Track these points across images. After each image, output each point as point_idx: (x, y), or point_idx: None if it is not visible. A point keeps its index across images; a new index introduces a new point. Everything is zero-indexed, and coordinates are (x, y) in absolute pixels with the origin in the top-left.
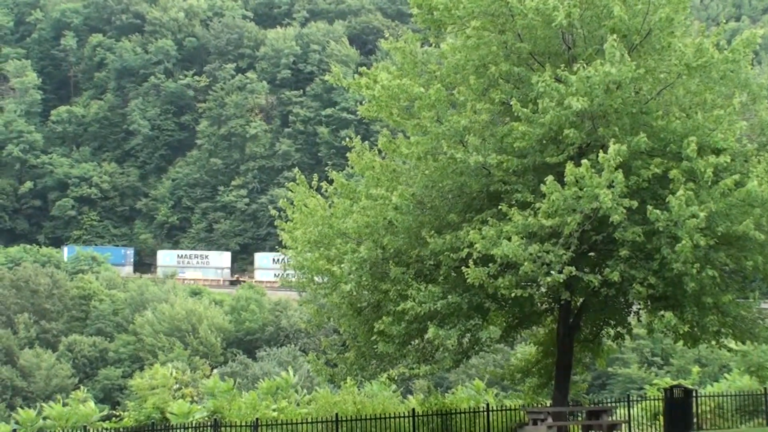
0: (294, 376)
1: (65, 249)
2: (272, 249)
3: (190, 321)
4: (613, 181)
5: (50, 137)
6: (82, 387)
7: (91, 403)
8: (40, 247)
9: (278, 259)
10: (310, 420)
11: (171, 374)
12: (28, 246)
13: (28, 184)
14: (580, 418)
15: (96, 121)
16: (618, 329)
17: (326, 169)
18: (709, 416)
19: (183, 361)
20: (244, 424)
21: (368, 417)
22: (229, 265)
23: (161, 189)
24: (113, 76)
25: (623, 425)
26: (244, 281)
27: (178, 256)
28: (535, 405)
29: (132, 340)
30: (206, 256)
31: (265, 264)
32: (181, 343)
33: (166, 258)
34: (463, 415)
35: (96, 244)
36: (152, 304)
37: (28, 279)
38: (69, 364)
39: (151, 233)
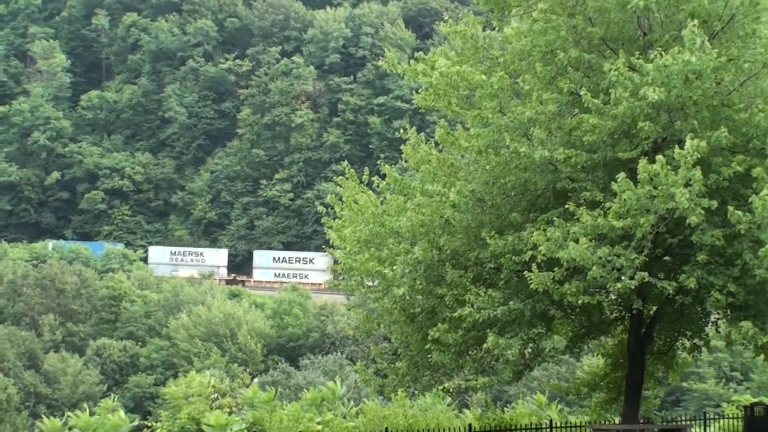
0: (341, 386)
1: (94, 245)
2: (318, 248)
3: (229, 325)
4: (690, 180)
5: (79, 124)
6: (111, 395)
7: (121, 413)
8: (68, 243)
9: (279, 258)
10: None
11: (208, 383)
12: (55, 241)
13: (55, 175)
14: None
15: (129, 107)
16: (694, 341)
17: (378, 162)
18: None
19: (220, 368)
20: None
21: None
22: (225, 263)
23: (198, 182)
24: (148, 58)
25: None
26: (241, 281)
27: (171, 252)
28: (603, 422)
29: (165, 345)
30: (201, 253)
31: (265, 263)
32: (218, 349)
33: (158, 255)
34: (523, 431)
35: (127, 241)
36: (187, 307)
37: (54, 277)
38: (97, 369)
39: (187, 229)
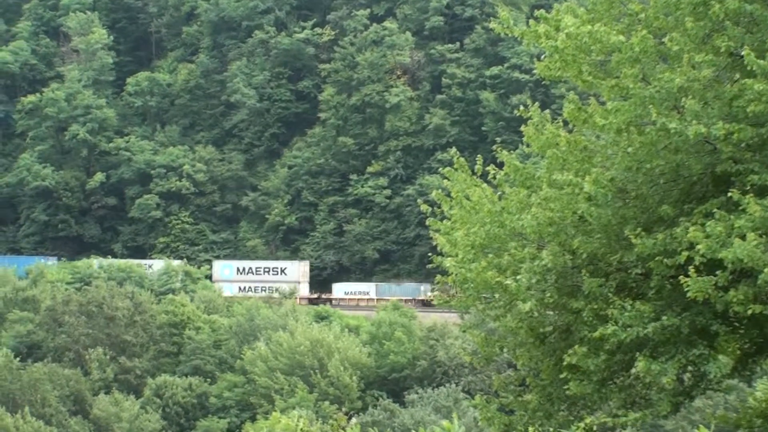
0: (458, 425)
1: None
2: (422, 256)
3: (317, 355)
4: None
5: (126, 114)
6: None
7: None
8: (117, 260)
9: (244, 269)
10: None
11: (295, 426)
12: (101, 258)
13: (99, 177)
14: None
15: (186, 91)
16: None
17: (493, 148)
18: None
19: (308, 408)
20: None
21: None
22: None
23: (274, 180)
24: (207, 30)
25: None
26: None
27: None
28: None
29: (240, 381)
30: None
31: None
32: (304, 384)
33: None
34: None
35: (184, 256)
36: (265, 333)
37: (102, 302)
38: (158, 413)
39: (262, 239)
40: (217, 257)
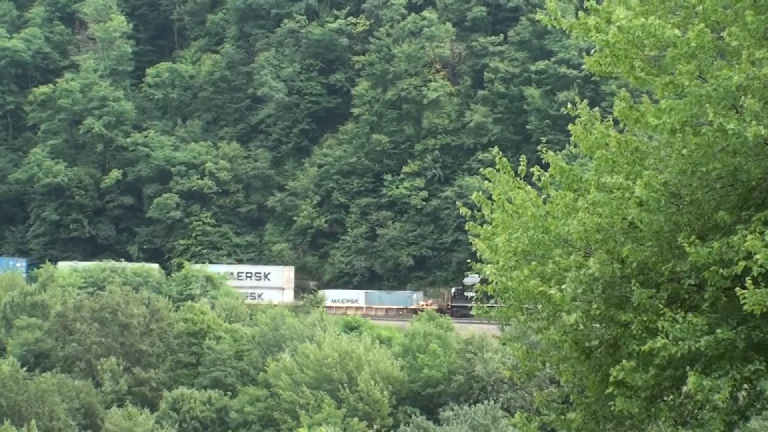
0: None
1: (168, 266)
2: (460, 263)
3: (346, 368)
4: None
5: (145, 107)
6: None
7: None
8: (133, 263)
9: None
10: None
11: None
12: (116, 261)
13: (115, 174)
14: None
15: (210, 83)
16: None
17: (538, 148)
18: None
19: (336, 424)
20: None
21: None
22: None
23: (303, 180)
24: (233, 19)
25: None
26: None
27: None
28: None
29: (263, 394)
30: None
31: None
32: (332, 398)
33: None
34: None
35: (210, 259)
36: (291, 344)
37: (116, 309)
38: (174, 428)
39: (289, 242)
40: (241, 261)
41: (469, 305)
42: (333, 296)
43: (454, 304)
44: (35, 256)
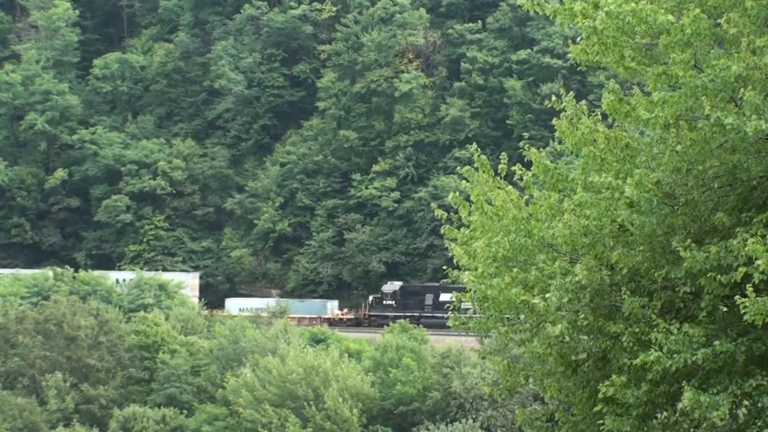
0: None
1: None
2: (436, 270)
3: (312, 384)
4: None
5: (93, 101)
6: None
7: None
8: (80, 271)
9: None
10: None
11: None
12: (61, 269)
13: (60, 174)
14: None
15: (162, 75)
16: None
17: (520, 144)
18: None
19: None
20: None
21: None
22: None
23: (264, 180)
24: (188, 5)
25: None
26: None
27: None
28: None
29: (222, 413)
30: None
31: None
32: (297, 417)
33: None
34: None
35: (163, 266)
36: (252, 358)
37: (62, 320)
38: None
39: (249, 248)
40: (197, 268)
41: (389, 314)
42: (240, 305)
43: (371, 314)
44: None
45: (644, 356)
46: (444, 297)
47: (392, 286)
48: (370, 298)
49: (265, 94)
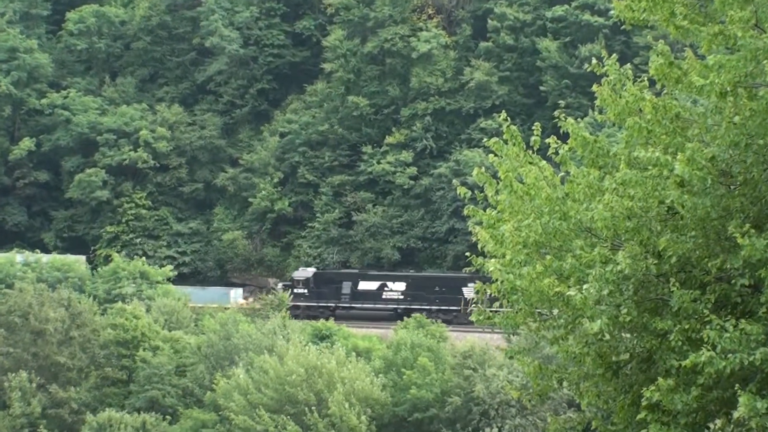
0: None
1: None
2: (457, 257)
3: (314, 386)
4: None
5: (65, 61)
6: None
7: None
8: (49, 254)
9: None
10: None
11: None
12: (27, 252)
13: (27, 144)
14: None
15: (145, 31)
16: None
17: (555, 114)
18: None
19: None
20: None
21: None
22: None
23: (261, 152)
24: None
25: None
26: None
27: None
28: None
29: (211, 419)
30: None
31: None
32: (296, 424)
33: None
34: None
35: (145, 251)
36: (246, 356)
37: (28, 311)
38: None
39: (243, 230)
40: (184, 253)
41: (300, 304)
42: None
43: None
44: None
45: (695, 357)
46: (364, 285)
47: (304, 272)
48: (279, 285)
49: (263, 53)
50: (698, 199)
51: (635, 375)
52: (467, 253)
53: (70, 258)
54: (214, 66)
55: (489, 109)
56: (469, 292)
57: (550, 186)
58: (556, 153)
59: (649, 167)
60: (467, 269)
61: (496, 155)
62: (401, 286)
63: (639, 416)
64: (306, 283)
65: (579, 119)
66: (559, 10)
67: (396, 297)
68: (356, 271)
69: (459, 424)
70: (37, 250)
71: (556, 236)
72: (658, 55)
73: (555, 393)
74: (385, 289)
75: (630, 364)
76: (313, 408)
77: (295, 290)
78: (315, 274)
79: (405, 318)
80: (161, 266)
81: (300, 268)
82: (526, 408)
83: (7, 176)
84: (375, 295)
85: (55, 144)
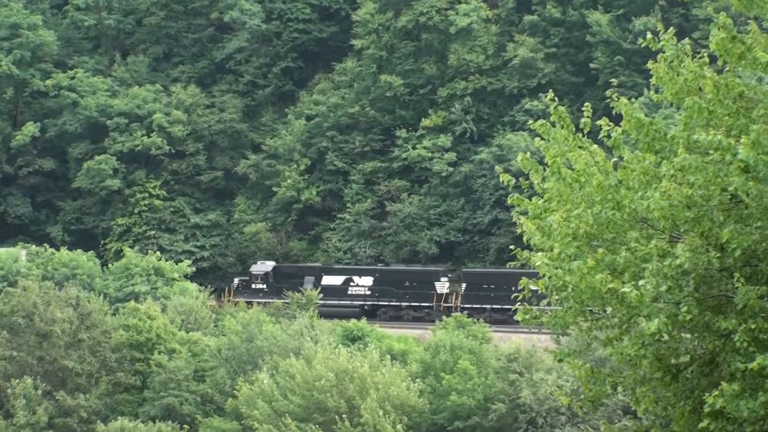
0: None
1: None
2: (501, 251)
3: (345, 392)
4: None
5: (72, 38)
6: None
7: None
8: (54, 250)
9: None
10: None
11: None
12: (31, 246)
13: (31, 129)
14: None
15: (159, 5)
16: None
17: (607, 93)
18: None
19: None
20: None
21: None
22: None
23: (286, 137)
24: None
25: None
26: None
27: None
28: None
29: (232, 428)
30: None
31: None
32: None
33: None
34: None
35: (160, 245)
36: (270, 360)
37: (33, 312)
38: None
39: (268, 222)
40: (203, 247)
41: (259, 301)
42: None
43: (237, 299)
44: None
45: (762, 359)
46: (328, 280)
47: (263, 266)
48: (236, 281)
49: (287, 29)
50: (764, 186)
51: (696, 379)
52: (511, 247)
53: (77, 253)
54: (233, 43)
55: (534, 89)
56: (441, 287)
57: (601, 172)
58: (608, 136)
59: (711, 151)
60: (512, 263)
61: (542, 139)
62: (368, 281)
63: (701, 424)
64: (265, 278)
65: (633, 99)
66: None
67: (362, 293)
68: (319, 264)
69: None
70: (46, 245)
71: (609, 227)
72: (719, 29)
73: (609, 399)
74: (351, 284)
75: (691, 367)
76: (343, 416)
77: (253, 285)
78: (274, 268)
79: (375, 314)
80: (177, 262)
81: (258, 262)
82: (577, 415)
83: (9, 164)
84: (340, 291)
85: (61, 129)
